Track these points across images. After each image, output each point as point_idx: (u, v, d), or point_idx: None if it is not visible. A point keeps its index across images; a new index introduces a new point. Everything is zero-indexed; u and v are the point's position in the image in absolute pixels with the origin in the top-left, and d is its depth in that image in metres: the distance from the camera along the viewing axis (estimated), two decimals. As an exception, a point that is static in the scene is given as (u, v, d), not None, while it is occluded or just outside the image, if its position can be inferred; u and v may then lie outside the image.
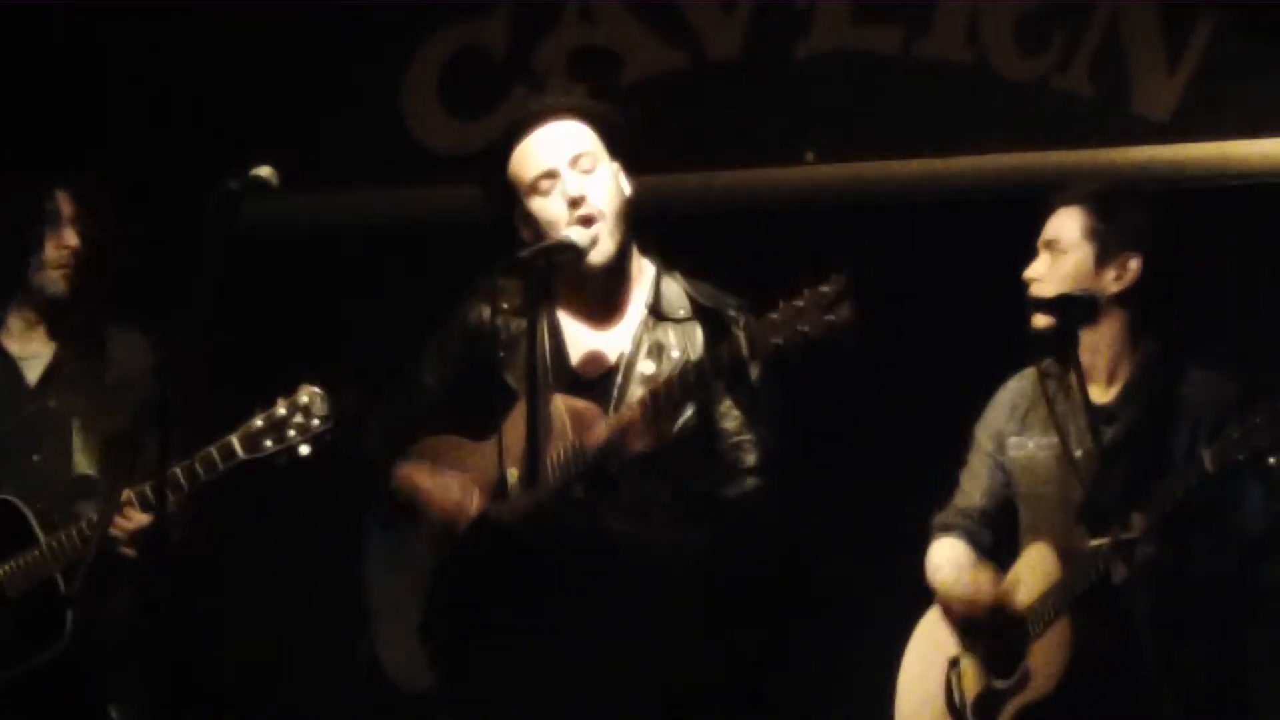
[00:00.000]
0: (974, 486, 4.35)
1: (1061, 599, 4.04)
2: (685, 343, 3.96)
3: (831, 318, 3.58)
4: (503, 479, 3.88)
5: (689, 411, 3.89)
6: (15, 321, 4.53)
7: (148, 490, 4.14)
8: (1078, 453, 4.14)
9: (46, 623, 4.27)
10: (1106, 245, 4.12)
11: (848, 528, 5.09)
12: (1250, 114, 4.97)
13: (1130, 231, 4.13)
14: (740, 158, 5.27)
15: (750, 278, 4.42)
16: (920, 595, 4.41)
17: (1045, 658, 4.05)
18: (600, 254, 3.93)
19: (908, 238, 5.11)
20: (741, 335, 3.67)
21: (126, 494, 4.17)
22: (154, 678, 4.30)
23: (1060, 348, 4.18)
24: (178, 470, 4.17)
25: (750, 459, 3.96)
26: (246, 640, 5.36)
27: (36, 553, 4.29)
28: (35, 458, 4.45)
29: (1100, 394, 4.16)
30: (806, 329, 3.59)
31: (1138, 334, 4.16)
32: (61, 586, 4.29)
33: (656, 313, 3.99)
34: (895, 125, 5.20)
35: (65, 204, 4.48)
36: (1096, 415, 4.13)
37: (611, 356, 3.98)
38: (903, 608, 4.46)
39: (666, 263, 4.07)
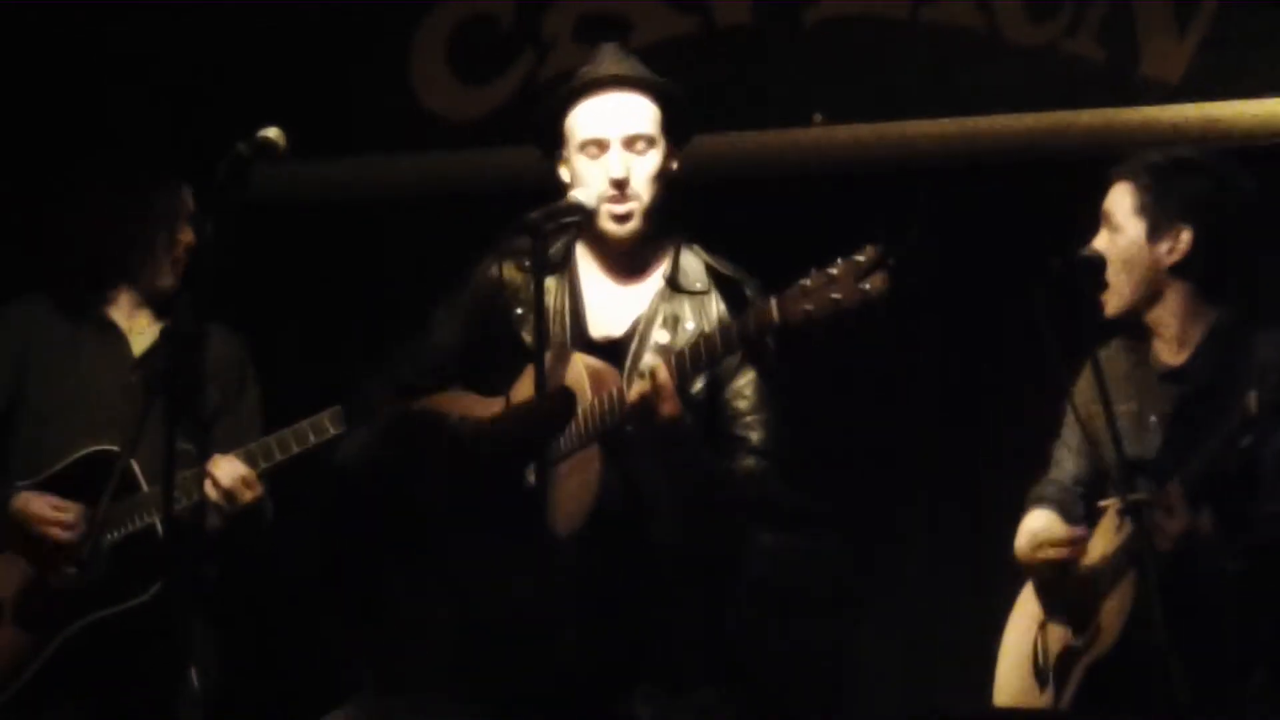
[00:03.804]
0: (1065, 456, 4.36)
1: (1124, 557, 4.05)
2: (700, 316, 3.97)
3: (866, 287, 3.56)
4: None
5: (701, 383, 3.90)
6: (125, 297, 4.64)
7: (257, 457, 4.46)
8: (1152, 417, 4.15)
9: (140, 572, 4.41)
10: (1156, 220, 4.14)
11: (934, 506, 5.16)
12: (1261, 76, 4.96)
13: (1180, 204, 4.13)
14: (748, 122, 5.26)
15: (761, 241, 4.42)
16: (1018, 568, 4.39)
17: (1112, 615, 4.06)
18: (627, 230, 3.96)
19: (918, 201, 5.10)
20: (773, 300, 3.66)
21: (250, 473, 4.44)
22: (232, 646, 4.58)
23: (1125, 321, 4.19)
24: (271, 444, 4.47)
25: (756, 438, 3.95)
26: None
27: (141, 505, 4.43)
28: None
29: (1171, 358, 4.18)
30: (839, 297, 3.58)
31: (1203, 301, 4.16)
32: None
33: (674, 285, 4.01)
34: (904, 91, 5.18)
35: (188, 199, 4.62)
36: (1167, 378, 4.16)
37: (628, 323, 4.00)
38: (1002, 580, 4.45)
39: (688, 233, 4.08)
